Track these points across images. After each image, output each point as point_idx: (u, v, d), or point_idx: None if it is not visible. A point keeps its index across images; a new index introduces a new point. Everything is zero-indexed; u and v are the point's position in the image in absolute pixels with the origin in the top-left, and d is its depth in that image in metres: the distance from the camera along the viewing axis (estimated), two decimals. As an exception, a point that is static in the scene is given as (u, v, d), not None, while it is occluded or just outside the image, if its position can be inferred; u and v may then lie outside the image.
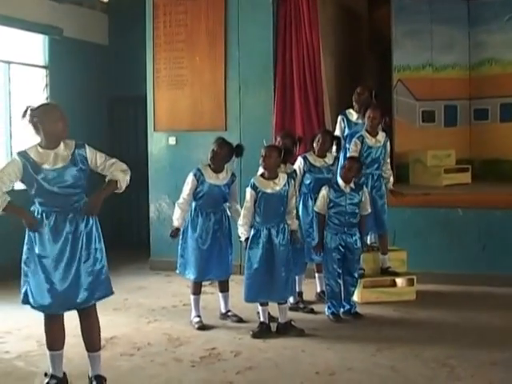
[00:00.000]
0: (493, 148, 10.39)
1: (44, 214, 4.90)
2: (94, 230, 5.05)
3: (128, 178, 5.11)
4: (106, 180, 5.09)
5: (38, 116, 4.88)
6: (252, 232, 6.48)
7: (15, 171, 4.84)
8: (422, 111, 10.67)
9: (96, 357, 5.16)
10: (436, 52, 10.57)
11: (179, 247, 6.97)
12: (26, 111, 4.90)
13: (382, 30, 11.10)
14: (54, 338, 5.06)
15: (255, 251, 6.45)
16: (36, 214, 4.92)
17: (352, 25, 11.40)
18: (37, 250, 4.90)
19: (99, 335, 5.19)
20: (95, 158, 5.03)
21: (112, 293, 5.18)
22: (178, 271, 7.06)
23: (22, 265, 4.98)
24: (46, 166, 4.86)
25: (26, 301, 5.00)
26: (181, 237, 6.93)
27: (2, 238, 8.71)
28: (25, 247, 4.98)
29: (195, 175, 6.80)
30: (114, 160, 5.11)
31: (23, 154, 4.89)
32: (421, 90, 10.59)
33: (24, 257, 4.98)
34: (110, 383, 5.15)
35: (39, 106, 4.98)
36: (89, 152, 5.01)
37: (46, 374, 5.13)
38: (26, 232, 4.96)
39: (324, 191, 7.05)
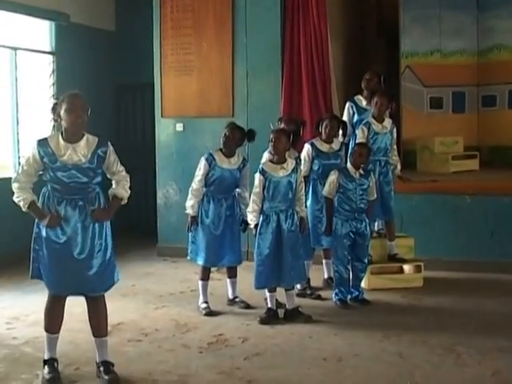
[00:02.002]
0: (501, 135, 10.35)
1: (55, 200, 4.93)
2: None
3: (128, 193, 5.19)
4: (111, 193, 5.13)
5: (59, 105, 4.93)
6: (261, 218, 6.48)
7: (35, 163, 4.90)
8: (430, 98, 10.63)
9: (103, 342, 5.18)
10: (444, 38, 10.52)
11: (190, 233, 6.96)
12: (54, 105, 4.98)
13: (389, 15, 11.05)
14: (55, 320, 5.10)
15: (265, 237, 6.45)
16: (47, 197, 4.95)
17: (360, 10, 11.36)
18: (44, 234, 4.93)
19: (107, 321, 5.22)
20: (111, 163, 5.04)
21: (118, 279, 5.22)
22: (188, 257, 7.05)
23: (32, 242, 5.03)
24: (63, 159, 4.88)
25: (35, 275, 5.06)
26: None
27: (6, 226, 8.76)
28: (35, 226, 5.02)
29: (207, 159, 6.78)
30: (124, 174, 5.14)
31: (43, 143, 4.90)
32: (429, 76, 10.55)
33: (34, 235, 5.03)
34: (117, 369, 5.16)
35: (64, 96, 4.99)
36: (109, 154, 5.01)
37: (44, 362, 5.14)
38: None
39: (334, 176, 7.03)
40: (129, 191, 5.17)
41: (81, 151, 4.90)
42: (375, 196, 7.27)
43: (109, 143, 5.03)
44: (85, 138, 4.95)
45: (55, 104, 4.98)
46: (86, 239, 4.95)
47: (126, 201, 5.18)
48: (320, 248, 7.65)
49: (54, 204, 4.92)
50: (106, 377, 5.06)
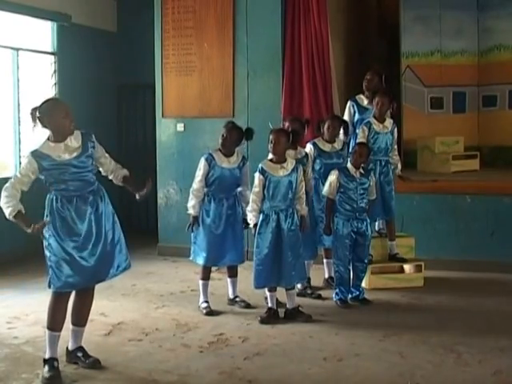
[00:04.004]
0: (501, 135, 10.36)
1: (65, 200, 5.06)
2: (111, 206, 5.30)
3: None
4: (119, 177, 5.43)
5: (45, 114, 5.01)
6: (261, 217, 6.48)
7: (31, 172, 5.01)
8: (431, 98, 10.65)
9: (83, 331, 5.39)
10: (445, 38, 10.54)
11: (192, 234, 6.96)
12: (32, 113, 5.04)
13: (390, 15, 11.06)
14: (60, 318, 5.16)
15: (264, 236, 6.44)
16: (56, 200, 5.06)
17: (361, 10, 11.36)
18: (62, 234, 5.04)
19: (90, 312, 5.40)
20: (99, 149, 5.29)
21: (130, 265, 5.40)
22: (191, 258, 7.03)
23: (45, 251, 5.09)
24: (61, 158, 5.03)
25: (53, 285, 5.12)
26: None
27: (6, 226, 8.74)
28: (45, 234, 5.06)
29: (207, 159, 6.79)
30: (114, 162, 5.46)
31: (37, 154, 5.02)
32: (429, 76, 10.57)
33: (45, 243, 5.09)
34: (118, 368, 5.21)
35: (44, 103, 5.09)
36: (97, 147, 5.26)
37: (45, 361, 5.16)
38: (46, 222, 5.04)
39: (333, 176, 7.03)
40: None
41: (72, 144, 5.08)
42: (375, 195, 7.28)
43: (93, 135, 5.24)
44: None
45: (34, 110, 5.05)
46: (100, 230, 5.16)
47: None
48: (322, 247, 7.66)
49: (65, 205, 5.05)
50: (89, 360, 5.30)
